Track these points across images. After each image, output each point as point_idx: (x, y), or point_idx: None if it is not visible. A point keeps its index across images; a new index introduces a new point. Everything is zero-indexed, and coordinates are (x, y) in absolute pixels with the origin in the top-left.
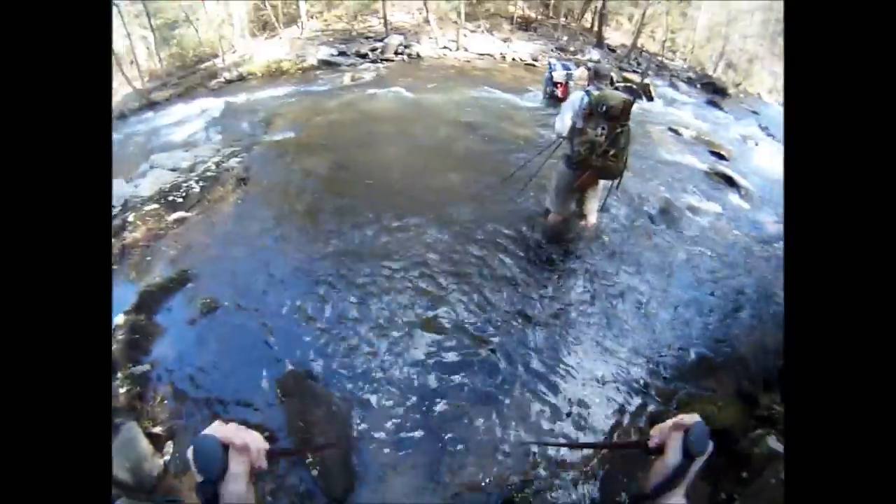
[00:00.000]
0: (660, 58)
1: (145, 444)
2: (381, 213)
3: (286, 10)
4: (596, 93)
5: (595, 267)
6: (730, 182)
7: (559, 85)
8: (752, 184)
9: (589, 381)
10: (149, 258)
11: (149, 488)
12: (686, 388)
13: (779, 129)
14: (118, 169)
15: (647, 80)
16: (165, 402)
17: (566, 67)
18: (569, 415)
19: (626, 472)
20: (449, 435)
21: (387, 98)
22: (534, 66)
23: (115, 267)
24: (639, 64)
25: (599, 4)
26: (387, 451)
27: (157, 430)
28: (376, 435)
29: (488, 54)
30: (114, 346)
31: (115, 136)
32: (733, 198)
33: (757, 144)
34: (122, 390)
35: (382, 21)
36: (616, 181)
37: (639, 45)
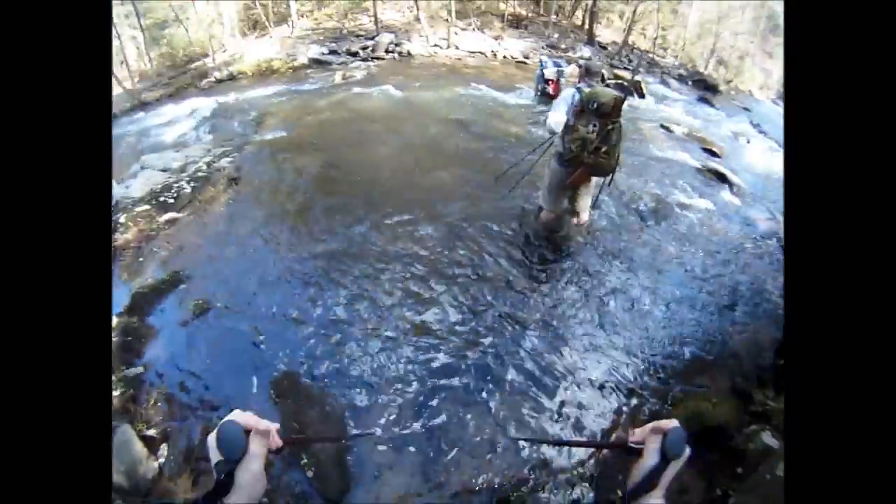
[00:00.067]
0: (651, 55)
1: (140, 447)
2: (372, 211)
3: (276, 9)
4: (587, 90)
5: (587, 265)
6: (722, 179)
7: (550, 82)
8: (744, 180)
9: (582, 380)
10: (141, 259)
11: (144, 492)
12: (680, 386)
13: (770, 125)
14: None
15: (638, 77)
16: (159, 404)
17: (557, 65)
18: (560, 415)
19: (622, 473)
20: (442, 435)
21: (378, 96)
22: (525, 63)
23: None
24: (630, 61)
25: (590, 2)
26: (381, 451)
27: (151, 432)
28: (364, 434)
29: (479, 52)
30: None
31: None
32: (725, 194)
33: (749, 141)
34: (115, 393)
35: (373, 19)
36: (608, 178)
37: (630, 42)
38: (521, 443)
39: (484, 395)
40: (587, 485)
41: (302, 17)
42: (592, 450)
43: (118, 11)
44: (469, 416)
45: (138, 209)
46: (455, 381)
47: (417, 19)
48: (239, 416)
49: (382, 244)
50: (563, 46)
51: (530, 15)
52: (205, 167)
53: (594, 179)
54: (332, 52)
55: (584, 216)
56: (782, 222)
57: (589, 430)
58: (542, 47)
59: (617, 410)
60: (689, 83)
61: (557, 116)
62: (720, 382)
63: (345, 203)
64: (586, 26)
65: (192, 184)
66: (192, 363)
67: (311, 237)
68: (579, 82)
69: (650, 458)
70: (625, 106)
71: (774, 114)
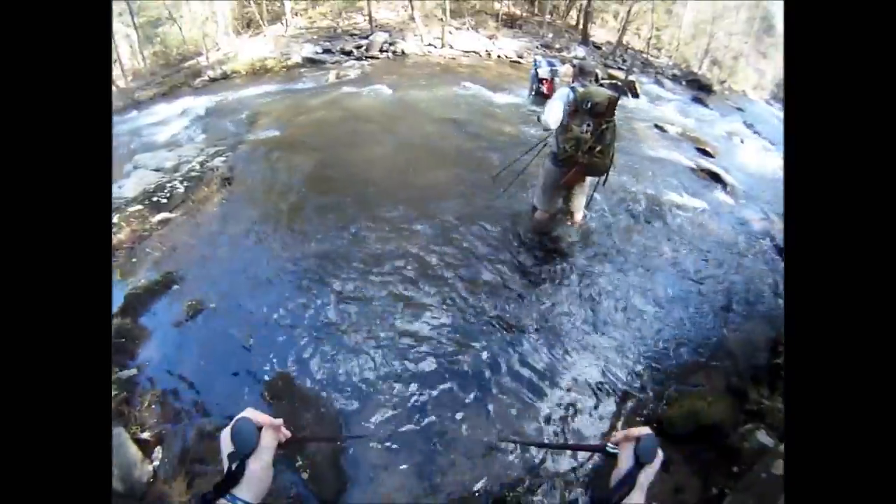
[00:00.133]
0: (645, 55)
1: (134, 451)
2: (366, 211)
3: (271, 8)
4: (581, 89)
5: (581, 265)
6: (715, 178)
7: (544, 81)
8: (738, 180)
9: (577, 381)
10: (134, 260)
11: (139, 495)
12: (675, 385)
13: (764, 125)
14: None
15: (632, 77)
16: (153, 406)
17: (551, 64)
18: (553, 417)
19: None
20: (437, 436)
21: (371, 96)
22: (519, 63)
23: None
24: (624, 61)
25: (585, 2)
26: (376, 453)
27: (146, 435)
28: (363, 435)
29: (474, 51)
30: None
31: None
32: (719, 194)
33: (742, 141)
34: None
35: (367, 18)
36: (602, 178)
37: (624, 42)
38: (517, 445)
39: (478, 396)
40: (581, 490)
41: (296, 15)
42: (589, 454)
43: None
44: (464, 418)
45: (131, 209)
46: (449, 383)
47: (412, 18)
48: (251, 414)
49: (377, 244)
50: (557, 46)
51: (525, 14)
52: (198, 167)
53: (588, 179)
54: (327, 50)
55: (579, 216)
56: (776, 222)
57: (584, 432)
58: (537, 47)
59: (612, 411)
60: (683, 83)
61: (553, 112)
62: (715, 381)
63: (338, 202)
64: (581, 26)
65: (185, 183)
66: (186, 364)
67: (304, 237)
68: (573, 82)
69: (624, 463)
70: (618, 105)
71: (768, 114)
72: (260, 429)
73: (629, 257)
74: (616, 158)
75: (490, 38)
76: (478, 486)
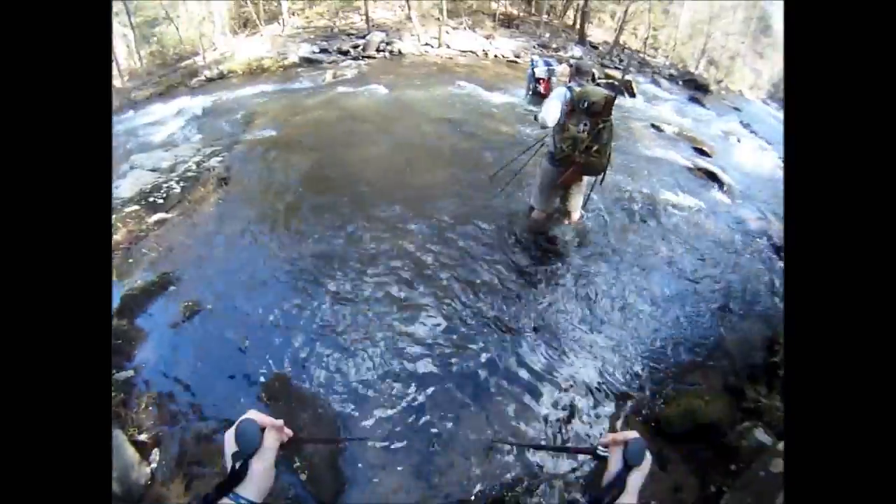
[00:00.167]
0: (642, 55)
1: (131, 453)
2: (362, 210)
3: (267, 7)
4: (578, 89)
5: (578, 265)
6: (712, 178)
7: (541, 81)
8: (734, 179)
9: (575, 381)
10: (130, 261)
11: (137, 497)
12: (673, 384)
13: (760, 125)
14: None
15: (629, 77)
16: (150, 408)
17: (548, 64)
18: (551, 418)
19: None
20: (435, 437)
21: (368, 95)
22: (516, 62)
23: None
24: (621, 61)
25: (581, 2)
26: (374, 454)
27: (143, 437)
28: (364, 437)
29: (470, 51)
30: None
31: None
32: (715, 193)
33: (739, 140)
34: None
35: (364, 18)
36: (599, 177)
37: (621, 42)
38: (514, 446)
39: (475, 397)
40: (580, 491)
41: (293, 15)
42: (588, 456)
43: None
44: (461, 418)
45: (127, 209)
46: (446, 383)
47: (409, 18)
48: (255, 415)
49: (374, 244)
50: (554, 46)
51: (522, 14)
52: (194, 167)
53: (586, 179)
54: (323, 50)
55: (576, 216)
56: (772, 221)
57: (582, 433)
58: (534, 46)
59: (610, 411)
60: (680, 83)
61: (551, 111)
62: (712, 380)
63: (335, 202)
64: (577, 26)
65: (181, 184)
66: (182, 366)
67: (300, 237)
68: (570, 81)
69: (614, 466)
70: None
71: (764, 113)
72: (263, 430)
73: (626, 257)
74: (613, 158)
75: (487, 37)
76: (476, 486)
